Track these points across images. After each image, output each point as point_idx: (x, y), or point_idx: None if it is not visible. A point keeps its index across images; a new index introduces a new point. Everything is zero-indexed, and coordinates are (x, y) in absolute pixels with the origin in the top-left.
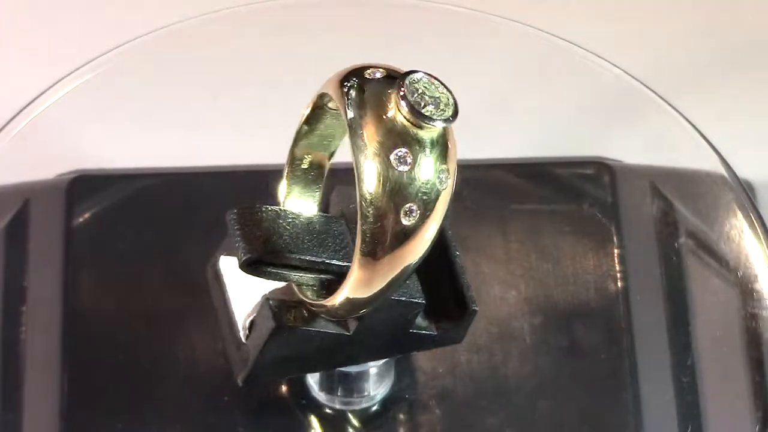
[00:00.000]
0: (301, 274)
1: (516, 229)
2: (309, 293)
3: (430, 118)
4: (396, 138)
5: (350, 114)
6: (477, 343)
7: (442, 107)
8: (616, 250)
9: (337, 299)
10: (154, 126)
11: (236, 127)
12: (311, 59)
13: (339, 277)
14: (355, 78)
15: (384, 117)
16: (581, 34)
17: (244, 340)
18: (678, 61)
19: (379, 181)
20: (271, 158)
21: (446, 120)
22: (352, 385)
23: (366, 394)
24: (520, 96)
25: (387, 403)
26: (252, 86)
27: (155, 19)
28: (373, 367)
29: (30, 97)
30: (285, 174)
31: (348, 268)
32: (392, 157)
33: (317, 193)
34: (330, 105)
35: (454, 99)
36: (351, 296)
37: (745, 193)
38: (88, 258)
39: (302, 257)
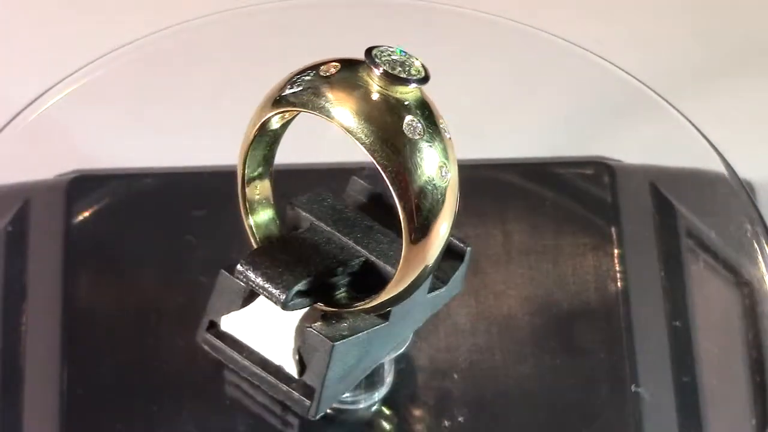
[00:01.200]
0: (343, 290)
1: (516, 229)
2: (344, 301)
3: (406, 80)
4: (388, 110)
5: (335, 113)
6: (477, 343)
7: (414, 70)
8: (616, 250)
9: (389, 293)
10: (154, 126)
11: (236, 127)
12: (311, 59)
13: (372, 274)
14: (312, 75)
15: (367, 97)
16: (582, 34)
17: (297, 375)
18: (678, 61)
19: (400, 151)
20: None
21: (421, 80)
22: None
23: (366, 393)
24: (520, 96)
25: (387, 402)
26: (252, 86)
27: (155, 20)
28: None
29: (30, 98)
30: (247, 212)
31: (380, 259)
32: (404, 126)
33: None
34: (272, 125)
35: (419, 62)
36: (403, 281)
37: (746, 192)
38: (88, 258)
39: (344, 265)
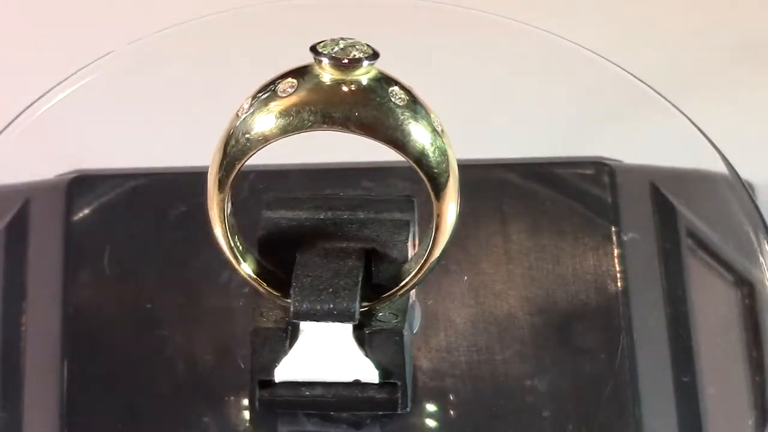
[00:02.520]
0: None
1: (516, 229)
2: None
3: (359, 60)
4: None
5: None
6: (477, 343)
7: (361, 52)
8: (616, 250)
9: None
10: (154, 126)
11: None
12: (311, 59)
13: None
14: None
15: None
16: (582, 33)
17: (379, 379)
18: (679, 60)
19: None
20: (271, 158)
21: (371, 56)
22: None
23: None
24: (519, 95)
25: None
26: (252, 86)
27: (155, 20)
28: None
29: (31, 98)
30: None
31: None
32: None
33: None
34: None
35: (362, 43)
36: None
37: (746, 192)
38: (88, 258)
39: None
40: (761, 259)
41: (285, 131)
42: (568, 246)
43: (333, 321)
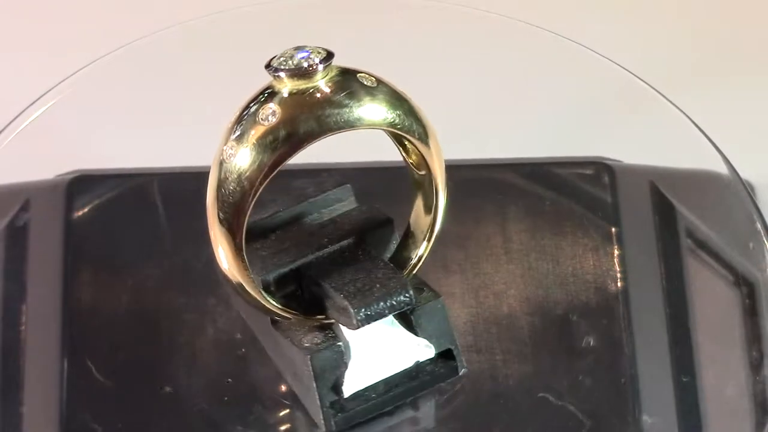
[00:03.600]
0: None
1: (516, 229)
2: None
3: (315, 66)
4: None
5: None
6: (477, 343)
7: (315, 56)
8: (616, 250)
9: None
10: (154, 126)
11: None
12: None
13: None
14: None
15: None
16: (582, 32)
17: (436, 351)
18: (680, 60)
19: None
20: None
21: (326, 59)
22: None
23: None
24: (519, 95)
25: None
26: (252, 86)
27: (155, 20)
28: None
29: (31, 99)
30: None
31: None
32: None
33: None
34: None
35: (322, 49)
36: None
37: (746, 192)
38: (88, 258)
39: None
40: (761, 259)
41: (289, 155)
42: (568, 246)
43: (394, 312)
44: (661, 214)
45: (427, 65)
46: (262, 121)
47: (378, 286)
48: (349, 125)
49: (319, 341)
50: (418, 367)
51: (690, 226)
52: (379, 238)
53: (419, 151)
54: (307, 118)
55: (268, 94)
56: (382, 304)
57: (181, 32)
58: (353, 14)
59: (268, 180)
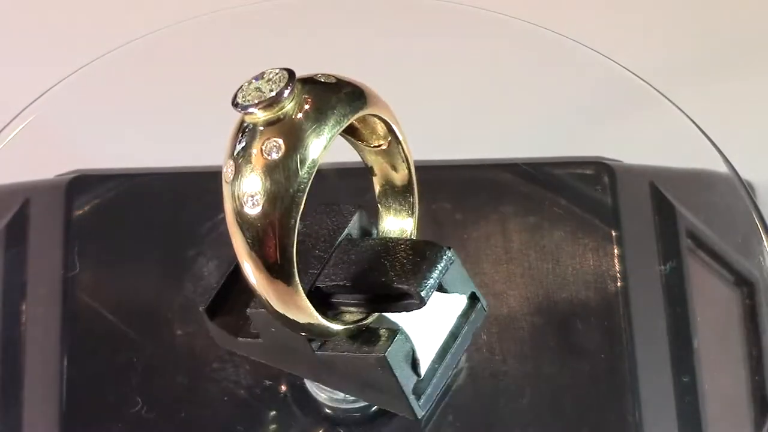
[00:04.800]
0: None
1: (516, 229)
2: None
3: (280, 93)
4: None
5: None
6: (477, 343)
7: (279, 80)
8: (616, 250)
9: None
10: (154, 126)
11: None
12: (311, 59)
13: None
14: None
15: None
16: (582, 32)
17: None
18: (680, 60)
19: None
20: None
21: (289, 81)
22: None
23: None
24: (520, 95)
25: None
26: None
27: (154, 19)
28: None
29: (30, 98)
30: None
31: None
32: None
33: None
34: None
35: (278, 69)
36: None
37: (746, 192)
38: (88, 257)
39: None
40: (761, 259)
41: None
42: (568, 246)
43: (444, 274)
44: (661, 214)
45: (426, 65)
46: (266, 157)
47: (418, 259)
48: (339, 124)
49: (376, 339)
50: (461, 319)
51: (690, 226)
52: (360, 228)
53: (384, 118)
54: (308, 136)
55: (248, 131)
56: (435, 272)
57: (182, 31)
58: (353, 14)
59: (302, 206)
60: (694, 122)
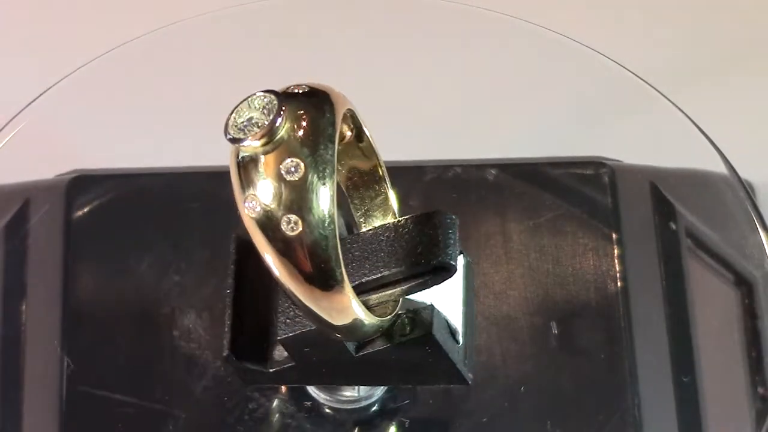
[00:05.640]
0: None
1: (516, 229)
2: None
3: (273, 121)
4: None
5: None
6: (477, 343)
7: (270, 109)
8: (616, 250)
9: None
10: (154, 126)
11: None
12: (311, 58)
13: None
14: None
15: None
16: (582, 31)
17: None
18: (680, 60)
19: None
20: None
21: (277, 106)
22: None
23: (365, 393)
24: (520, 95)
25: (386, 402)
26: (251, 86)
27: (154, 19)
28: None
29: (30, 98)
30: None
31: None
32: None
33: None
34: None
35: (262, 94)
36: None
37: (746, 192)
38: (88, 257)
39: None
40: (761, 259)
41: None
42: (568, 246)
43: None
44: (661, 214)
45: (426, 65)
46: (289, 178)
47: (429, 231)
48: (333, 125)
49: (411, 322)
50: (463, 285)
51: (690, 226)
52: (344, 224)
53: (356, 116)
54: (319, 145)
55: (250, 160)
56: (452, 237)
57: (182, 31)
58: (351, 14)
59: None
60: (693, 122)
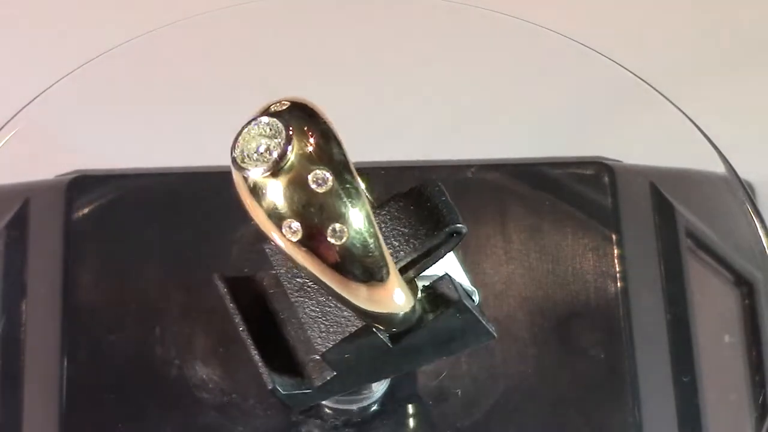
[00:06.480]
0: None
1: (516, 229)
2: None
3: (283, 154)
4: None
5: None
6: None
7: (278, 138)
8: (616, 250)
9: None
10: (154, 126)
11: (235, 127)
12: (311, 58)
13: None
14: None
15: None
16: (582, 31)
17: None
18: (680, 60)
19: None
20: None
21: (287, 139)
22: None
23: (365, 393)
24: (520, 95)
25: (386, 402)
26: (251, 86)
27: (153, 18)
28: None
29: (29, 98)
30: None
31: None
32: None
33: None
34: None
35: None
36: None
37: (746, 192)
38: (88, 257)
39: None
40: (761, 259)
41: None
42: (568, 246)
43: None
44: (661, 214)
45: (426, 65)
46: (319, 188)
47: (427, 203)
48: (331, 128)
49: (434, 296)
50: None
51: (690, 226)
52: None
53: None
54: (334, 151)
55: (272, 188)
56: (447, 201)
57: (181, 30)
58: (351, 13)
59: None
60: (693, 122)
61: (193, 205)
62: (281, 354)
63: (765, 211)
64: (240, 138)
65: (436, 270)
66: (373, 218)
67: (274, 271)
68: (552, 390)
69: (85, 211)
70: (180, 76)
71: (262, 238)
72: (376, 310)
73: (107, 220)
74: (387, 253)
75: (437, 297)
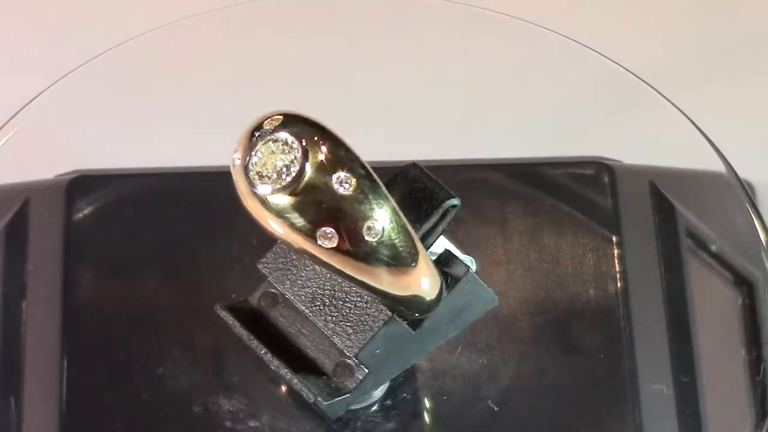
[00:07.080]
0: None
1: (516, 229)
2: None
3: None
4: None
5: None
6: (477, 343)
7: (291, 154)
8: (615, 251)
9: None
10: (154, 126)
11: (235, 126)
12: (311, 58)
13: None
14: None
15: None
16: (582, 32)
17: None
18: (680, 60)
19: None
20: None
21: (308, 148)
22: None
23: (366, 393)
24: (520, 95)
25: (386, 402)
26: (251, 86)
27: (153, 18)
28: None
29: (29, 98)
30: None
31: None
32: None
33: None
34: None
35: (281, 138)
36: None
37: (746, 192)
38: (88, 257)
39: None
40: (761, 259)
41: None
42: (568, 246)
43: None
44: (661, 214)
45: (426, 65)
46: (343, 192)
47: (417, 186)
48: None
49: (452, 267)
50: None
51: (690, 226)
52: None
53: None
54: (349, 155)
55: (295, 203)
56: (437, 180)
57: (181, 30)
58: (351, 13)
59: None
60: (693, 122)
61: (193, 205)
62: (305, 367)
63: (765, 211)
64: (250, 164)
65: (434, 249)
66: (398, 209)
67: (272, 290)
68: (552, 390)
69: (85, 211)
70: (180, 76)
71: (262, 243)
72: (411, 294)
73: (107, 220)
74: (415, 236)
75: (445, 274)
